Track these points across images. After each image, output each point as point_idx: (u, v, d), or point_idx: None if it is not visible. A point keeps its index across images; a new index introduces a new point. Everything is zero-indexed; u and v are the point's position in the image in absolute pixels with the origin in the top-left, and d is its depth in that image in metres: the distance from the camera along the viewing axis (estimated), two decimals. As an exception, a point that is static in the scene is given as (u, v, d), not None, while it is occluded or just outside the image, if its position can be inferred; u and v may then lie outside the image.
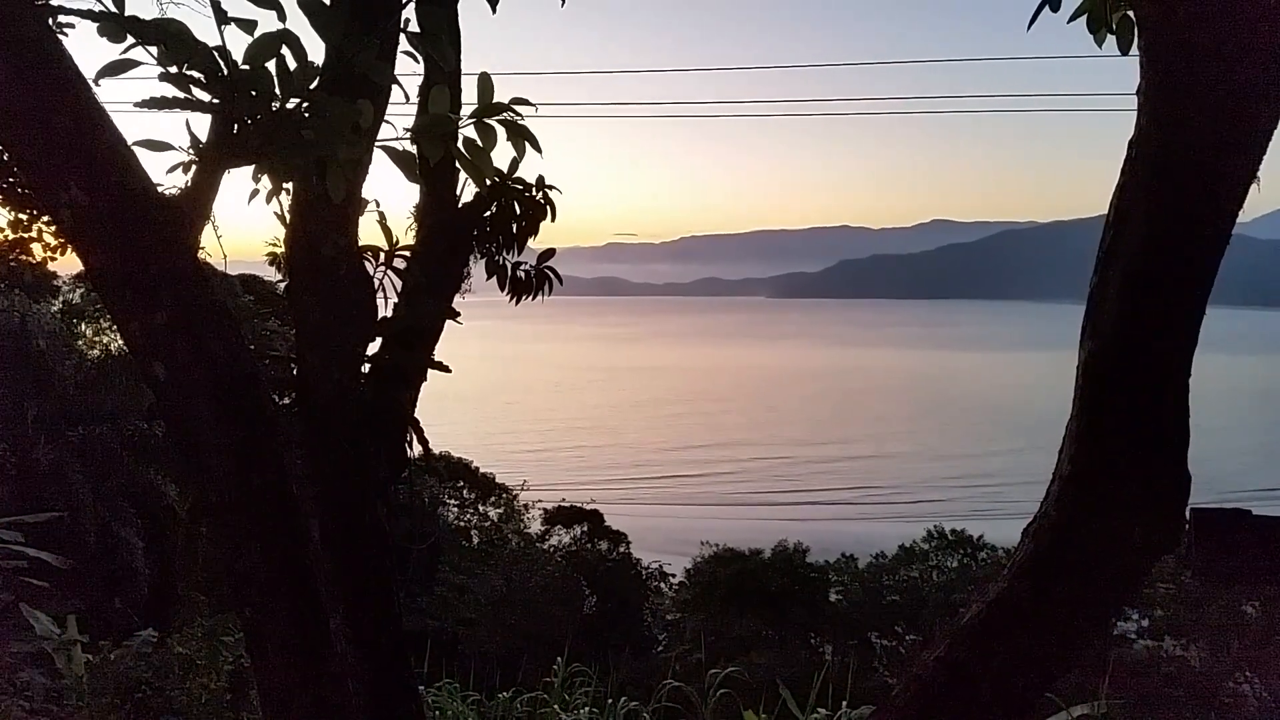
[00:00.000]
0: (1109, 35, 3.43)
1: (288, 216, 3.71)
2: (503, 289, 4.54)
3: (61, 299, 28.26)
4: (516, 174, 4.21)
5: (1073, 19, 3.42)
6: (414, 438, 4.33)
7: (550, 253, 4.62)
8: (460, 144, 3.04)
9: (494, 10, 3.31)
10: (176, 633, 8.31)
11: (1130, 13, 3.26)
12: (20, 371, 20.91)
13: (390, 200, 4.14)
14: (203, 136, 2.91)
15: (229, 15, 2.58)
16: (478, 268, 4.47)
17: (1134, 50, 2.95)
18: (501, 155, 3.20)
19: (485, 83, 3.00)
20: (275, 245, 4.10)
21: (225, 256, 3.56)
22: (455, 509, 35.78)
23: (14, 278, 23.10)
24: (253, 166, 2.88)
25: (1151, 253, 2.88)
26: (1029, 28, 3.16)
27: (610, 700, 7.85)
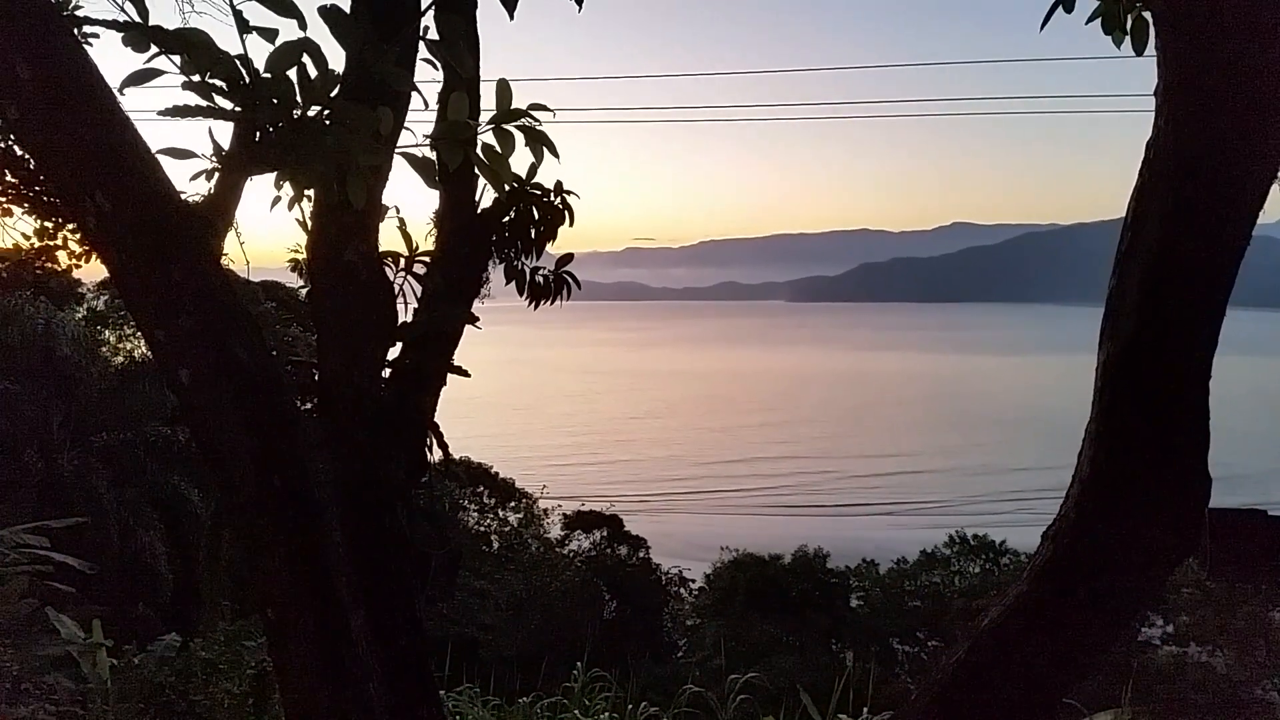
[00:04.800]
0: (1125, 36, 3.41)
1: (309, 223, 3.74)
2: (521, 294, 4.55)
3: (86, 306, 28.53)
4: (535, 179, 4.23)
5: (1089, 21, 3.41)
6: (434, 442, 4.35)
7: (569, 257, 4.62)
8: (479, 150, 3.07)
9: (511, 17, 3.34)
10: (199, 637, 8.37)
11: (1146, 14, 3.25)
12: (45, 378, 21.13)
13: (410, 206, 4.17)
14: (225, 144, 2.95)
15: (250, 24, 2.62)
16: (496, 273, 4.48)
17: (1150, 50, 2.94)
18: (520, 161, 3.22)
19: (504, 89, 3.01)
20: (297, 251, 4.13)
21: (248, 263, 3.60)
22: (475, 514, 35.87)
23: (39, 285, 23.36)
24: (275, 174, 2.92)
25: (1170, 254, 2.87)
26: (1041, 28, 3.16)
27: (630, 705, 7.85)
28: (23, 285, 23.38)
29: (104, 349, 26.04)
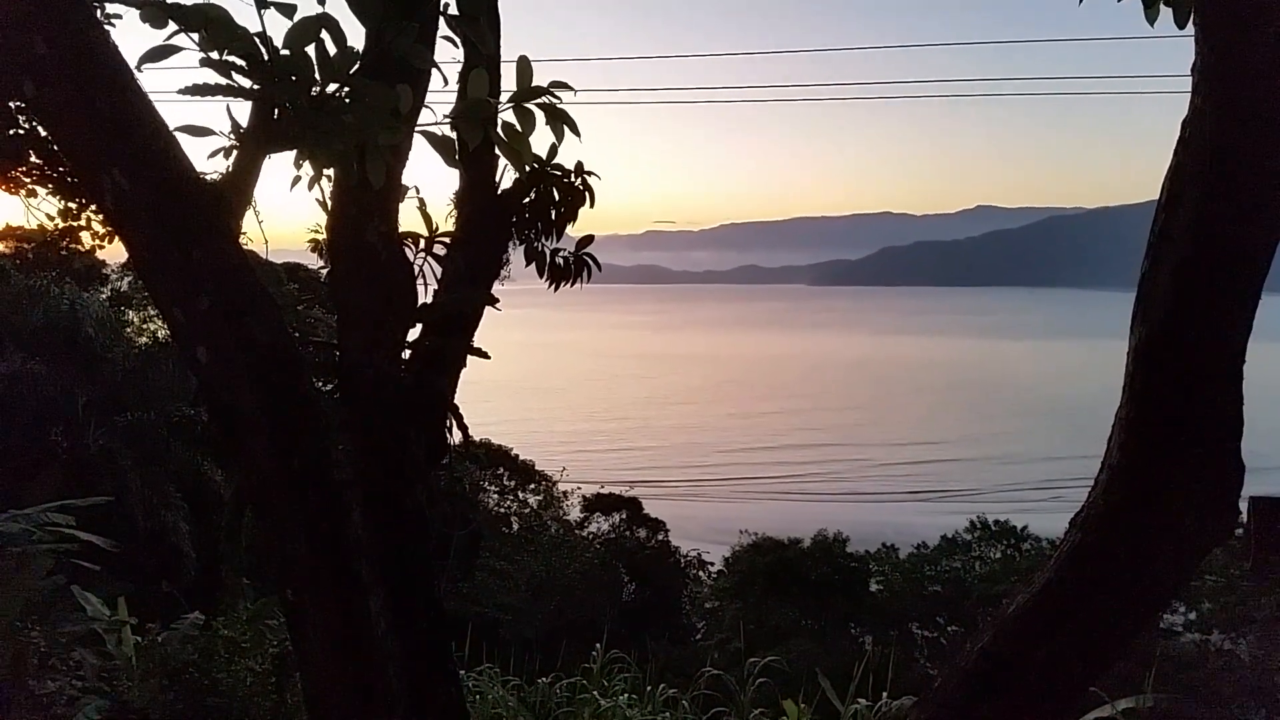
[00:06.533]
0: (1161, 12, 3.33)
1: (329, 203, 3.72)
2: (541, 276, 4.53)
3: (110, 287, 28.74)
4: (555, 160, 4.19)
5: (1123, -4, 3.32)
6: (454, 423, 4.33)
7: (589, 239, 4.59)
8: (499, 129, 3.03)
9: (533, -7, 3.29)
10: (222, 616, 8.42)
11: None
12: (70, 358, 21.31)
13: (430, 186, 4.14)
14: (244, 121, 2.92)
15: (268, 0, 2.59)
16: (516, 255, 4.46)
17: (1189, 27, 2.86)
18: (540, 141, 3.18)
19: (524, 66, 2.97)
20: (317, 232, 4.12)
21: (266, 242, 3.59)
22: (495, 495, 36.03)
23: (64, 266, 23.55)
24: (294, 153, 2.89)
25: (1205, 236, 2.80)
26: (1080, 1, 3.08)
27: (649, 687, 7.86)
28: (48, 266, 23.57)
29: (128, 330, 26.23)
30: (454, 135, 3.04)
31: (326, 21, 2.61)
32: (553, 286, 4.57)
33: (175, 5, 2.63)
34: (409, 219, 4.07)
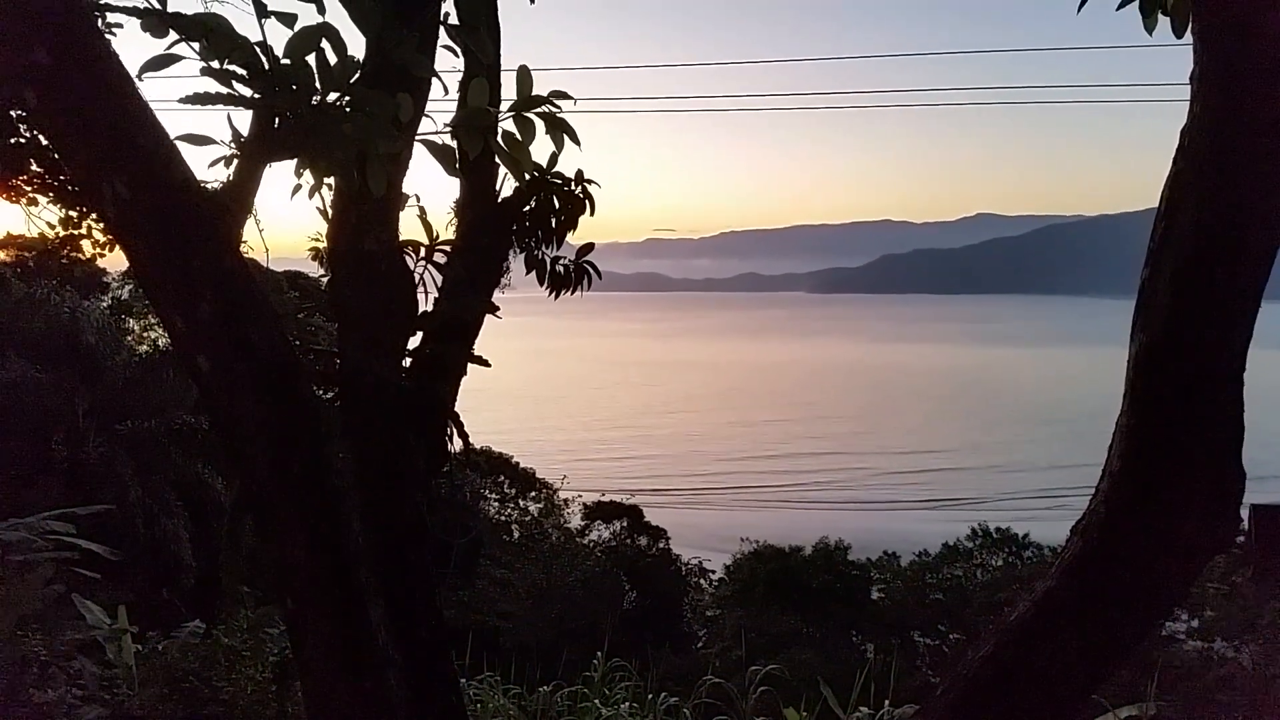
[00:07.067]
0: (1159, 22, 3.33)
1: (330, 211, 3.73)
2: (542, 284, 4.53)
3: (110, 295, 28.79)
4: (555, 168, 4.20)
5: (1123, 4, 3.33)
6: (454, 431, 4.33)
7: (589, 247, 4.60)
8: (499, 137, 3.04)
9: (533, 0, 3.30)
10: (222, 624, 8.41)
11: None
12: (71, 366, 21.32)
13: (430, 195, 4.15)
14: (244, 130, 2.93)
15: (269, 9, 2.59)
16: (517, 263, 4.46)
17: (1187, 35, 2.87)
18: (540, 149, 3.19)
19: (524, 75, 2.98)
20: (317, 240, 4.12)
21: (267, 251, 3.59)
22: (496, 503, 36.00)
23: (65, 274, 23.58)
24: (295, 161, 2.90)
25: (1204, 243, 2.80)
26: (1079, 10, 3.09)
27: (650, 695, 7.85)
28: (49, 274, 23.60)
29: (128, 337, 26.24)
30: (454, 144, 3.04)
31: (327, 31, 2.62)
32: (553, 294, 4.58)
33: (176, 14, 2.64)
34: (409, 227, 4.08)
